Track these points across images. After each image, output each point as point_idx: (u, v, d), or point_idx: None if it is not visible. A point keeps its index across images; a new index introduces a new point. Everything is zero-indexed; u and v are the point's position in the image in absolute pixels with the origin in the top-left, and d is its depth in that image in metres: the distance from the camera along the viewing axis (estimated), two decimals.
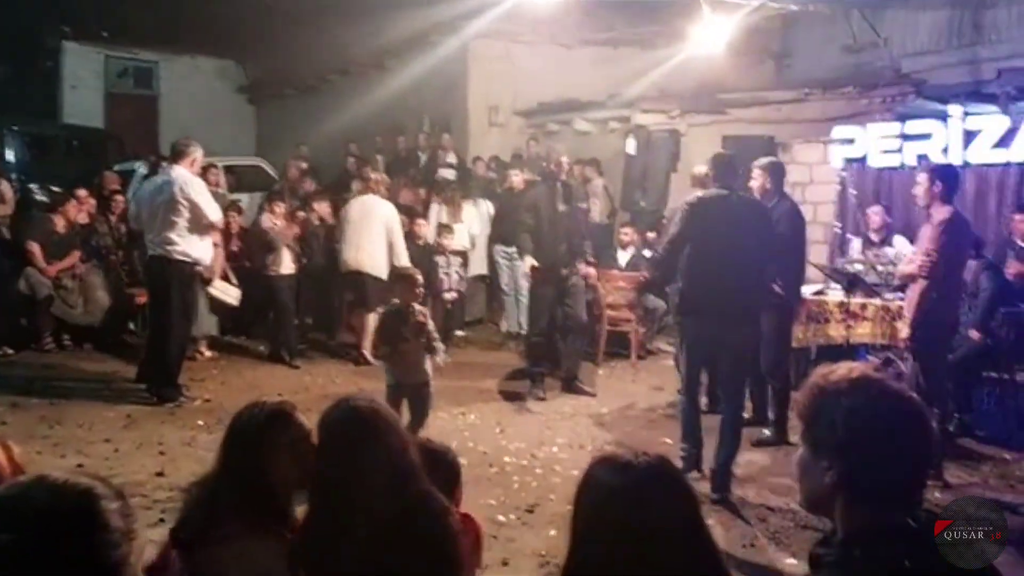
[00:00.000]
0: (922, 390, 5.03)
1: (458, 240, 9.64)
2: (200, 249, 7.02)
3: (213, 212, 7.06)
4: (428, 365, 5.53)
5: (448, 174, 11.47)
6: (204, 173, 8.01)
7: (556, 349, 7.84)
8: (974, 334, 6.29)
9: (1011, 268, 7.32)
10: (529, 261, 7.31)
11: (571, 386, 7.52)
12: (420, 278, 5.77)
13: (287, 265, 8.61)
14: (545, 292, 7.38)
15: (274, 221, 8.67)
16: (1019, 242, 7.69)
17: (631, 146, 10.69)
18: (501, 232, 9.55)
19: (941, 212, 5.33)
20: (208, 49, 17.63)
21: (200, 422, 6.35)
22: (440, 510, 2.19)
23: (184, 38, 16.75)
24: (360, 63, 14.45)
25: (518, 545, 4.39)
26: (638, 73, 11.63)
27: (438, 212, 9.98)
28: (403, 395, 5.44)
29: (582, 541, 1.76)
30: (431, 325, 5.55)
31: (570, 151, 11.08)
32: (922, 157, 8.85)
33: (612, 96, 11.66)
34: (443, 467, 2.71)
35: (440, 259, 9.11)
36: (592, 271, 7.92)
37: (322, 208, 9.32)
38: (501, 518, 4.75)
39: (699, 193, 5.42)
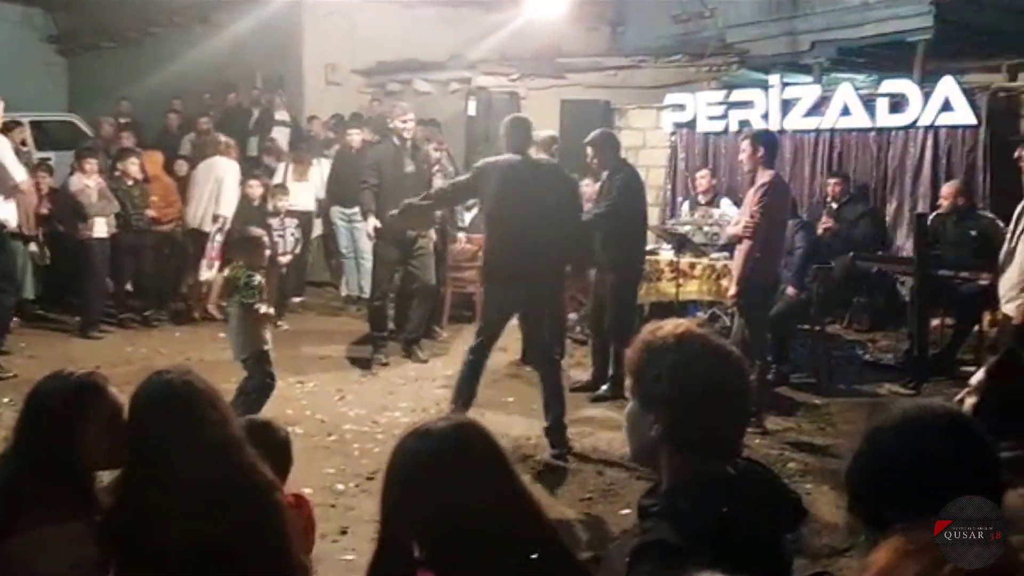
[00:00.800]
0: (746, 344, 5.32)
1: (302, 200, 9.36)
2: (4, 211, 6.50)
3: (18, 173, 6.55)
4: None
5: (281, 133, 11.07)
6: (8, 131, 7.39)
7: (402, 313, 7.74)
8: (790, 290, 6.69)
9: (823, 224, 7.86)
10: (372, 222, 7.16)
11: (410, 351, 7.41)
12: (266, 240, 5.60)
13: (100, 228, 8.05)
14: (389, 254, 7.25)
15: (85, 181, 8.06)
16: (832, 203, 8.26)
17: (472, 108, 10.68)
18: (339, 193, 9.30)
19: (763, 176, 5.54)
20: None
21: (6, 399, 5.89)
22: (264, 485, 2.11)
23: None
24: (185, 15, 13.66)
25: (358, 513, 4.34)
26: (479, 35, 11.60)
27: (284, 172, 9.64)
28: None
29: (393, 514, 1.75)
30: None
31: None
32: (745, 123, 9.31)
33: (453, 57, 11.57)
34: (271, 443, 2.61)
35: (274, 221, 8.74)
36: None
37: (130, 168, 8.55)
38: (340, 487, 4.70)
39: (489, 159, 5.51)
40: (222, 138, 9.32)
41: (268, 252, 5.69)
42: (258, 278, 5.21)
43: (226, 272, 5.86)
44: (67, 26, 16.81)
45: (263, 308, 5.19)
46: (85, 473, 2.20)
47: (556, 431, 5.23)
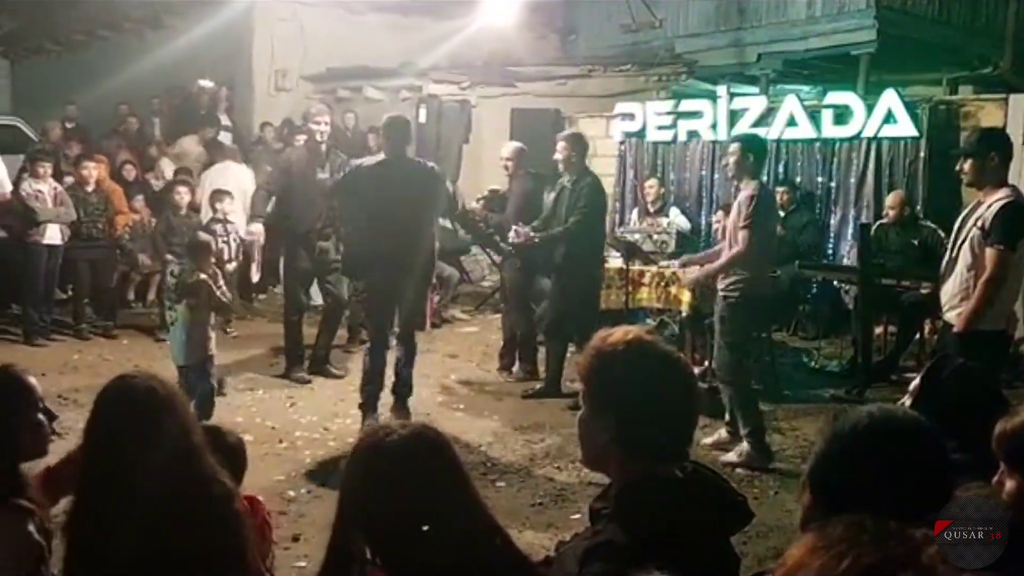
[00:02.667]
0: (723, 361, 5.25)
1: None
2: None
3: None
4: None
5: (225, 137, 10.96)
6: None
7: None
8: None
9: None
10: (256, 228, 7.11)
11: (321, 368, 7.09)
12: (214, 246, 5.75)
13: (51, 235, 7.83)
14: (300, 266, 7.00)
15: (38, 186, 7.79)
16: (780, 211, 8.41)
17: (423, 116, 10.68)
18: None
19: (749, 187, 5.15)
20: None
21: None
22: (224, 494, 2.10)
23: None
24: (135, 19, 13.45)
25: (309, 519, 4.32)
26: (430, 42, 11.61)
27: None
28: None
29: (347, 515, 1.78)
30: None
31: (361, 118, 10.94)
32: (693, 134, 9.47)
33: (404, 64, 11.57)
34: (223, 449, 2.60)
35: (218, 227, 8.60)
36: None
37: (85, 173, 8.31)
38: (292, 493, 4.67)
39: (355, 162, 5.90)
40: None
41: (213, 259, 5.75)
42: (203, 276, 5.39)
43: (175, 275, 5.91)
44: (11, 28, 16.43)
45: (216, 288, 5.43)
46: (15, 462, 2.24)
47: (402, 390, 5.66)
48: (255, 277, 9.38)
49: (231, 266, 8.56)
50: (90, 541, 2.03)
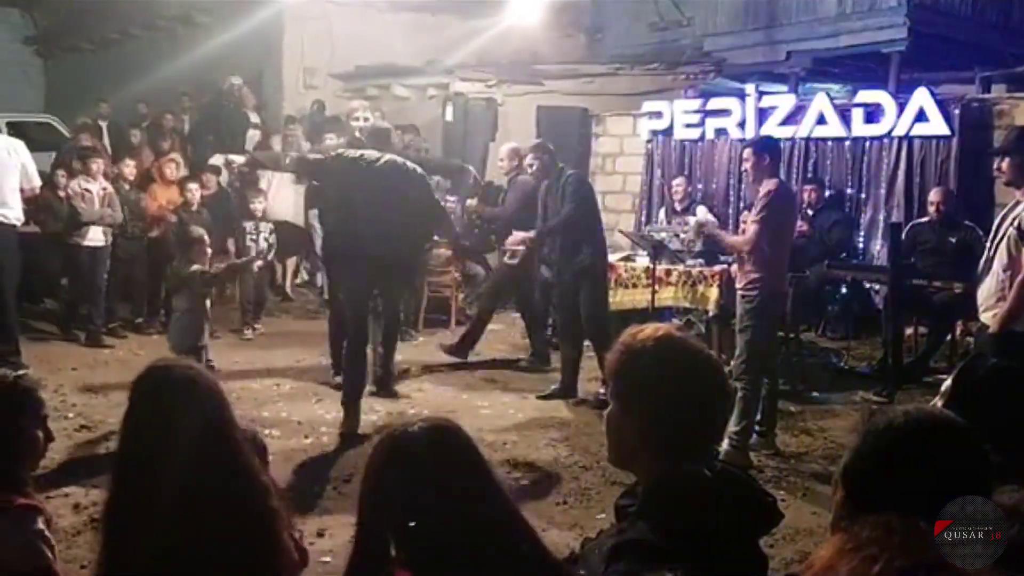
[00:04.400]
0: (748, 363, 5.17)
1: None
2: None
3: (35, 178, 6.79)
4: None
5: (253, 136, 11.03)
6: None
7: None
8: None
9: (797, 229, 7.91)
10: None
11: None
12: (207, 239, 5.84)
13: (92, 236, 7.68)
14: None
15: (87, 186, 7.61)
16: (807, 209, 8.33)
17: (449, 113, 10.69)
18: (315, 197, 9.28)
19: (767, 185, 5.20)
20: None
21: None
22: (263, 488, 2.10)
23: None
24: (167, 17, 13.60)
25: (334, 515, 4.33)
26: (457, 41, 11.64)
27: (269, 177, 9.58)
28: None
29: (371, 513, 1.79)
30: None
31: (389, 115, 10.96)
32: (721, 131, 9.40)
33: (431, 62, 11.60)
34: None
35: (248, 225, 8.67)
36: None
37: (125, 170, 8.35)
38: (317, 488, 4.69)
39: (339, 150, 5.94)
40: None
41: (208, 250, 5.87)
42: (196, 266, 5.63)
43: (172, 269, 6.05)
44: (46, 27, 16.68)
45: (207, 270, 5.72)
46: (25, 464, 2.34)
47: (385, 378, 5.74)
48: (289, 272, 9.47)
49: (257, 263, 8.60)
50: (125, 534, 2.02)
